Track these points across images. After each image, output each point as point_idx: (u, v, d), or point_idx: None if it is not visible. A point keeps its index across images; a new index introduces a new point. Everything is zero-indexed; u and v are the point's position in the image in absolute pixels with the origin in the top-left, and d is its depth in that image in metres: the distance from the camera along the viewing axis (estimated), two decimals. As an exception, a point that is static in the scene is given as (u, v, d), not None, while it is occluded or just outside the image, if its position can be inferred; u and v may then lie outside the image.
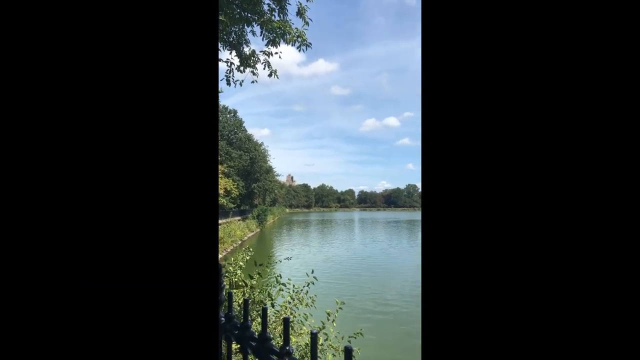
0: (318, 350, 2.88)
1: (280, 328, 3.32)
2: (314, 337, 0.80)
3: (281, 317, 3.43)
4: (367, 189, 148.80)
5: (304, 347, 3.30)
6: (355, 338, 3.60)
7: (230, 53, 4.91)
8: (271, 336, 0.96)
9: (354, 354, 3.50)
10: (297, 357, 3.16)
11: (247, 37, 4.93)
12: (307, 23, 4.61)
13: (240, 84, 5.21)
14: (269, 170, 42.88)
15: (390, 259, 17.68)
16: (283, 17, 4.54)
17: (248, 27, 4.67)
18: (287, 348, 0.87)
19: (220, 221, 23.17)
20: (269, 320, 3.59)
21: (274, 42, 4.59)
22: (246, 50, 4.95)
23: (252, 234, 28.97)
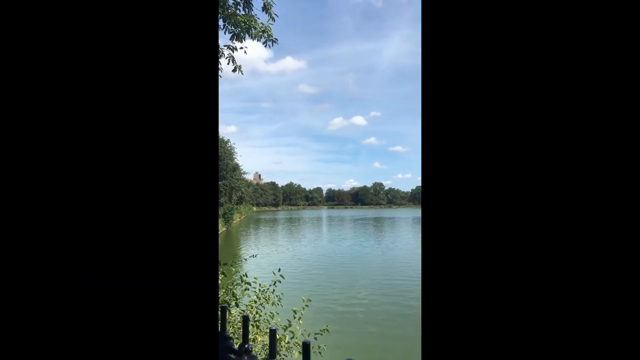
0: (284, 348, 2.84)
1: (245, 328, 3.27)
2: (272, 333, 0.79)
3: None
4: (334, 187, 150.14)
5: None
6: (322, 334, 3.62)
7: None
8: (231, 335, 0.94)
9: (319, 350, 3.52)
10: (263, 355, 3.13)
11: (211, 31, 4.81)
12: (272, 18, 4.55)
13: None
14: (236, 168, 42.19)
15: (357, 257, 17.95)
16: (248, 12, 4.46)
17: (212, 20, 4.54)
18: (246, 346, 0.85)
19: (184, 221, 22.40)
20: (235, 320, 3.53)
21: (238, 37, 4.50)
22: (210, 44, 4.81)
23: (218, 233, 28.34)
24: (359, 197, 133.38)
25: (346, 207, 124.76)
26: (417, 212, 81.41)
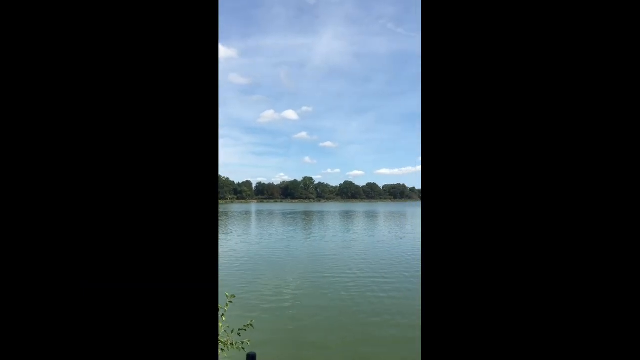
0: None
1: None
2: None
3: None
4: (265, 180, 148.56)
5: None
6: (246, 330, 3.63)
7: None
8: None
9: (242, 345, 3.52)
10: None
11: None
12: None
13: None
14: (158, 159, 39.29)
15: (287, 252, 18.06)
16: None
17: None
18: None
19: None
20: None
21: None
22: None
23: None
24: (289, 191, 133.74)
25: (276, 201, 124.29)
26: (344, 206, 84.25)
